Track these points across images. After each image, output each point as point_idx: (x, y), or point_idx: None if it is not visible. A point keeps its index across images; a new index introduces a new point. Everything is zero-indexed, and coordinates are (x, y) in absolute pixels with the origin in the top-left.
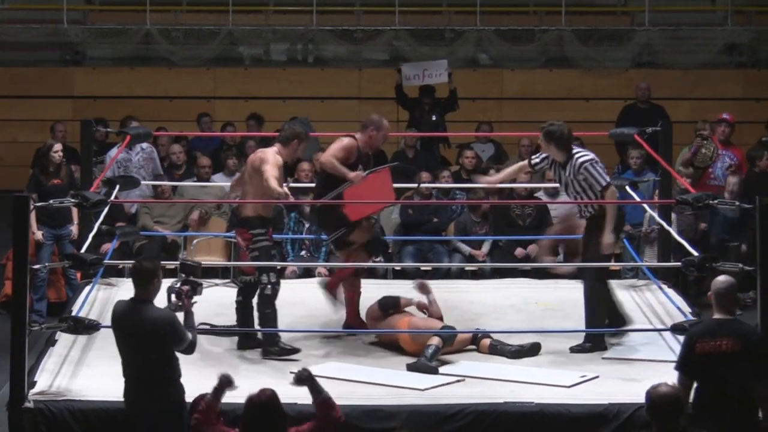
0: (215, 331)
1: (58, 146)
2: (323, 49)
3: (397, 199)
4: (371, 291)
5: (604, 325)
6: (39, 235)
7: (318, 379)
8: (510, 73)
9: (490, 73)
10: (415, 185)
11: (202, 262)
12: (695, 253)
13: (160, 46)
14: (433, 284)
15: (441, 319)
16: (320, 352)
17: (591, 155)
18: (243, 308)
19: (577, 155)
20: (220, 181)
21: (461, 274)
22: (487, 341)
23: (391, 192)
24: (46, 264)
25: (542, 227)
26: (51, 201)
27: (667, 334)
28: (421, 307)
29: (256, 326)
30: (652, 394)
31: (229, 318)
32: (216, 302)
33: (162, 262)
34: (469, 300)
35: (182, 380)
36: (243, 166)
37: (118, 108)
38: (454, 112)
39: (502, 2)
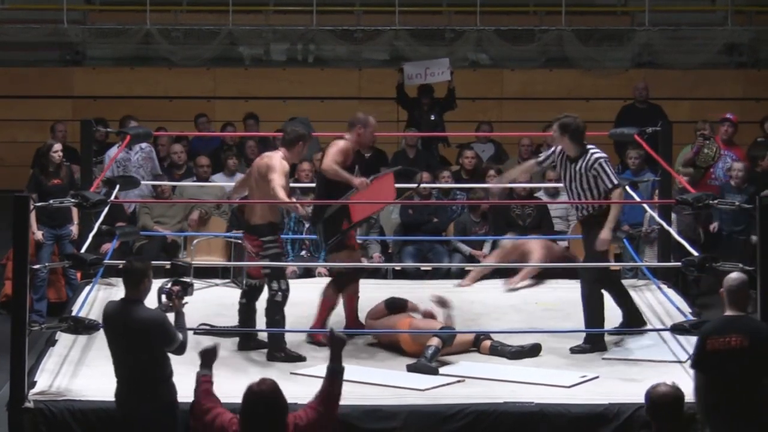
0: (215, 331)
1: (58, 146)
2: (323, 49)
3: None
4: (371, 291)
5: (603, 325)
6: (39, 235)
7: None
8: (510, 73)
9: (490, 73)
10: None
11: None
12: (695, 253)
13: (160, 46)
14: (433, 284)
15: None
16: (320, 352)
17: (605, 155)
18: (246, 310)
19: (592, 150)
20: (220, 181)
21: (461, 274)
22: (487, 343)
23: (392, 194)
24: (46, 264)
25: (542, 227)
26: (51, 201)
27: (667, 334)
28: (427, 315)
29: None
30: (652, 394)
31: (229, 318)
32: (216, 302)
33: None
34: (469, 300)
35: (182, 381)
36: (243, 166)
37: (118, 108)
38: (455, 112)
39: (502, 2)
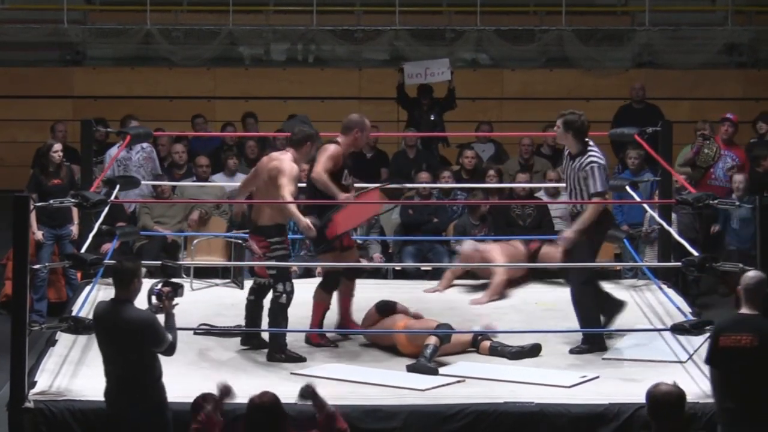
0: (215, 331)
1: (58, 146)
2: (323, 49)
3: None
4: (371, 291)
5: (599, 325)
6: (39, 235)
7: (318, 379)
8: (510, 73)
9: (491, 73)
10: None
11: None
12: (695, 253)
13: (161, 46)
14: (433, 284)
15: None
16: (320, 352)
17: (602, 160)
18: (253, 308)
19: (591, 152)
20: (220, 181)
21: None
22: (487, 343)
23: (377, 207)
24: (47, 264)
25: (542, 227)
26: (51, 201)
27: (667, 334)
28: (416, 317)
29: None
30: (653, 394)
31: (229, 318)
32: (216, 302)
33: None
34: (469, 300)
35: (183, 381)
36: (243, 165)
37: (118, 108)
38: (455, 112)
39: (502, 2)
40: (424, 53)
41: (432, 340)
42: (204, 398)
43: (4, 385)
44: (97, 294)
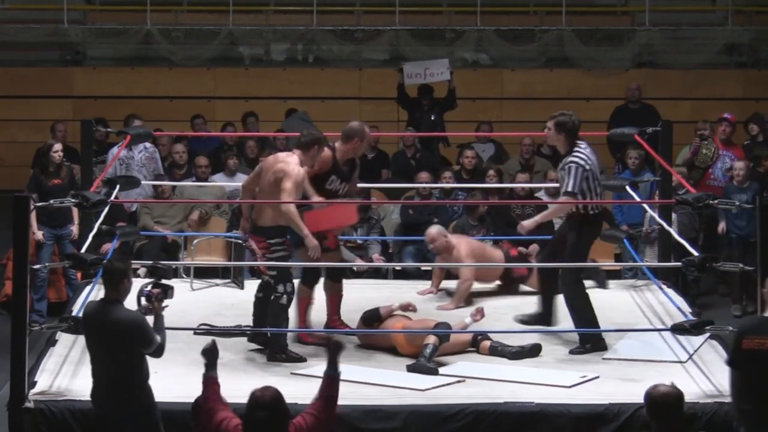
0: (215, 331)
1: (58, 146)
2: (323, 49)
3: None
4: (372, 291)
5: (596, 325)
6: (39, 235)
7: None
8: (510, 73)
9: (491, 73)
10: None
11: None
12: (695, 253)
13: (161, 46)
14: (428, 285)
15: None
16: (321, 353)
17: (583, 161)
18: (261, 304)
19: (576, 152)
20: (221, 181)
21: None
22: (487, 343)
23: (354, 217)
24: (47, 264)
25: (542, 227)
26: (51, 201)
27: (667, 334)
28: (405, 308)
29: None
30: (651, 394)
31: (229, 318)
32: (216, 302)
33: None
34: (468, 300)
35: (182, 381)
36: (243, 165)
37: (118, 108)
38: (455, 112)
39: (502, 2)
40: (424, 53)
41: (431, 340)
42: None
43: (4, 385)
44: (97, 294)
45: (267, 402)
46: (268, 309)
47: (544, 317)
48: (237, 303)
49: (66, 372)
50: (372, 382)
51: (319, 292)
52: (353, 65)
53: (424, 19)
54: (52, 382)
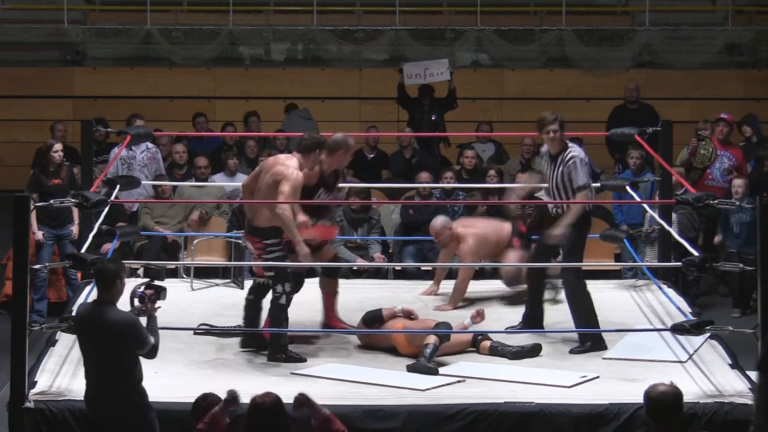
0: (215, 331)
1: (58, 146)
2: (324, 49)
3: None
4: (372, 291)
5: (596, 322)
6: (39, 235)
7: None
8: (510, 73)
9: (491, 73)
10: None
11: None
12: (695, 253)
13: (161, 46)
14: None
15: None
16: (321, 353)
17: (582, 154)
18: (252, 307)
19: (571, 147)
20: (221, 181)
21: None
22: (487, 343)
23: (334, 234)
24: (47, 264)
25: (542, 227)
26: (51, 201)
27: (667, 334)
28: (406, 314)
29: (263, 329)
30: (650, 394)
31: (229, 318)
32: (216, 302)
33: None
34: (468, 300)
35: (182, 381)
36: (243, 165)
37: (118, 108)
38: (455, 112)
39: (502, 2)
40: (425, 53)
41: (431, 340)
42: (206, 398)
43: (4, 385)
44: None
45: (268, 408)
46: (258, 312)
47: (533, 322)
48: (237, 303)
49: (66, 372)
50: (372, 382)
51: (316, 293)
52: (353, 65)
53: (424, 19)
54: (52, 382)
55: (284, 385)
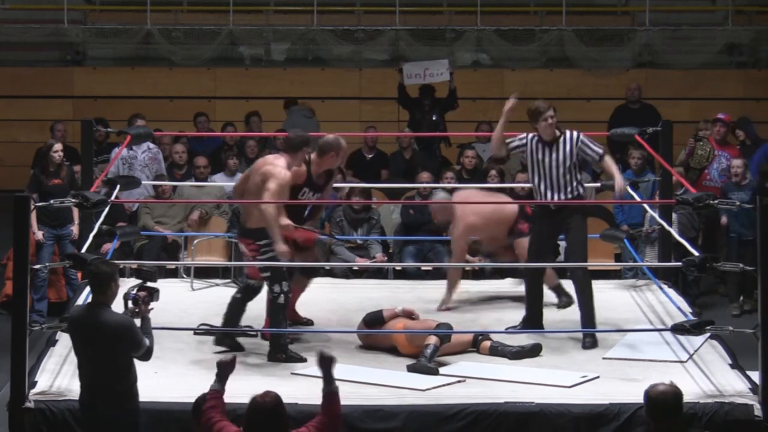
0: (215, 331)
1: (58, 146)
2: (324, 49)
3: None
4: (372, 291)
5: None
6: (39, 235)
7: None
8: (510, 73)
9: (491, 73)
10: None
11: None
12: (696, 253)
13: (161, 46)
14: (434, 284)
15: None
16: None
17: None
18: (236, 306)
19: (567, 130)
20: (221, 181)
21: (461, 274)
22: (487, 343)
23: (312, 240)
24: (47, 264)
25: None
26: (51, 201)
27: (668, 334)
28: (407, 314)
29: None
30: (650, 394)
31: None
32: (216, 302)
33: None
34: (469, 300)
35: (183, 381)
36: (244, 165)
37: (118, 108)
38: (455, 112)
39: (502, 2)
40: (425, 53)
41: (432, 340)
42: (205, 398)
43: (4, 385)
44: None
45: (268, 407)
46: (240, 312)
47: (533, 323)
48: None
49: (66, 372)
50: (372, 382)
51: (315, 293)
52: (353, 65)
53: (424, 19)
54: (52, 382)
55: (284, 385)
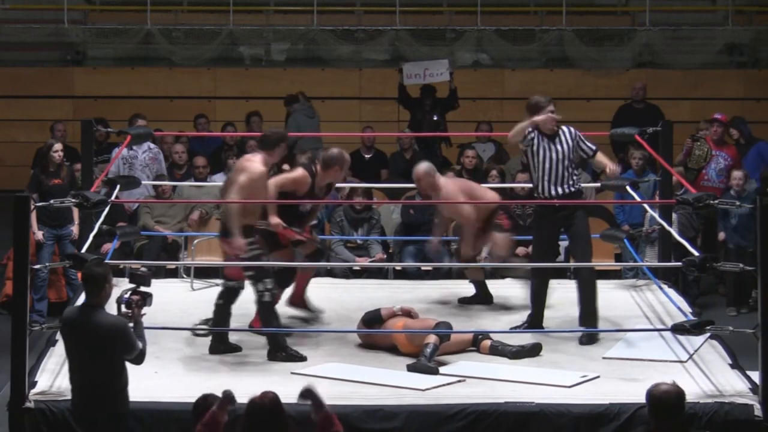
0: (214, 330)
1: (58, 146)
2: (324, 49)
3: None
4: (373, 291)
5: (597, 314)
6: (39, 235)
7: (319, 379)
8: (511, 73)
9: (491, 73)
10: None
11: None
12: (696, 253)
13: (161, 46)
14: (434, 284)
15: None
16: (321, 352)
17: None
18: (221, 312)
19: (564, 126)
20: (221, 181)
21: (462, 274)
22: (487, 342)
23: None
24: (47, 264)
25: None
26: (51, 201)
27: (668, 334)
28: (405, 312)
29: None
30: (653, 393)
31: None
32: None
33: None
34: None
35: (182, 381)
36: None
37: (118, 108)
38: (455, 112)
39: (502, 2)
40: (425, 53)
41: (432, 340)
42: (206, 398)
43: (5, 385)
44: None
45: (267, 407)
46: (227, 317)
47: (537, 323)
48: (237, 303)
49: (66, 372)
50: (372, 382)
51: (314, 293)
52: (353, 65)
53: (424, 19)
54: (52, 382)
55: (284, 384)
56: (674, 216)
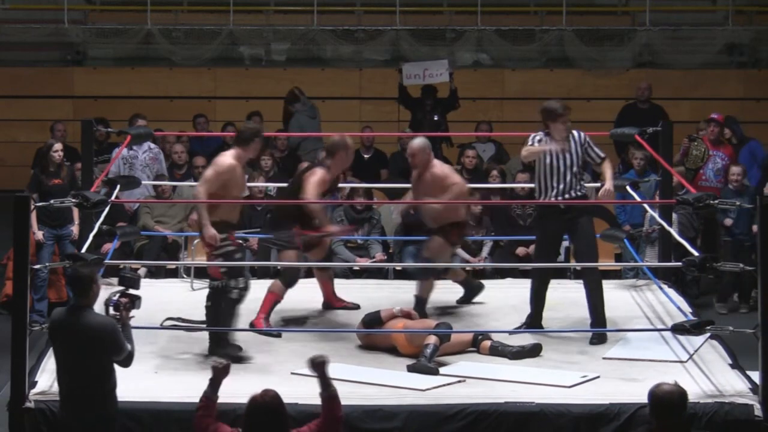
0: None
1: (58, 146)
2: (324, 49)
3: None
4: (373, 291)
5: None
6: (39, 235)
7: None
8: (511, 73)
9: (491, 73)
10: None
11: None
12: (695, 253)
13: (161, 46)
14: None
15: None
16: (321, 352)
17: None
18: (212, 314)
19: (574, 131)
20: None
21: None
22: (487, 343)
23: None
24: (47, 264)
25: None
26: (52, 201)
27: (668, 334)
28: (405, 314)
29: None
30: (655, 393)
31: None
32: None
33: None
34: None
35: (183, 381)
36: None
37: (118, 108)
38: (456, 112)
39: (502, 2)
40: (425, 53)
41: (432, 340)
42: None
43: (5, 385)
44: None
45: (268, 406)
46: (219, 318)
47: (537, 323)
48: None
49: None
50: (372, 382)
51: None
52: (353, 65)
53: (424, 19)
54: (52, 382)
55: (284, 385)
56: (674, 216)
